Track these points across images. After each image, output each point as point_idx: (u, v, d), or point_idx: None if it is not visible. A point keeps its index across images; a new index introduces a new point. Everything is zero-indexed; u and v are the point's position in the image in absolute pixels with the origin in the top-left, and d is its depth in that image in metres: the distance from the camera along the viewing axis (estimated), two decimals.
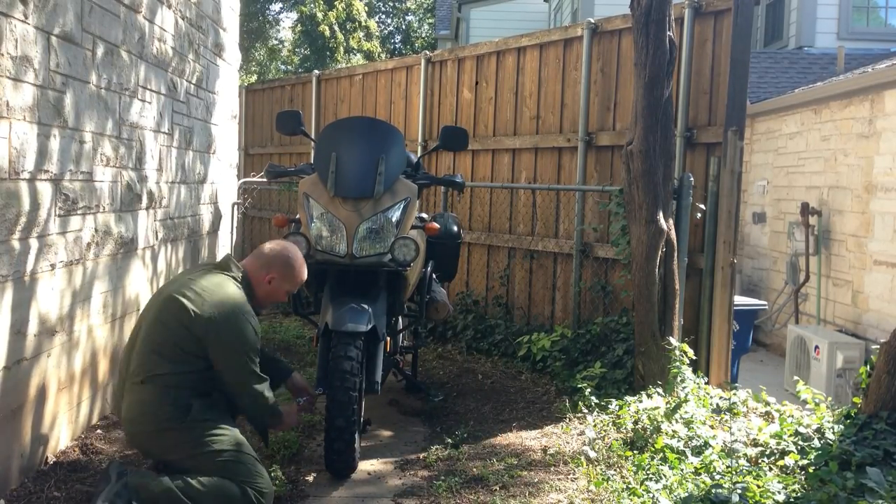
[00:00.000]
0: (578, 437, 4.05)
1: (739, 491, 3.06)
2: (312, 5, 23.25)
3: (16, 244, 3.09)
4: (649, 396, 4.24)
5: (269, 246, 3.28)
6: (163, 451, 2.98)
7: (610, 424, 4.12)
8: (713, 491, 3.07)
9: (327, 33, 22.85)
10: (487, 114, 6.43)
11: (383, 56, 25.71)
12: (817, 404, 4.11)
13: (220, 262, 3.26)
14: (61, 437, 3.61)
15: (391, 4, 31.15)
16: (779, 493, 3.12)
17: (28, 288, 3.21)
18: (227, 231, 6.97)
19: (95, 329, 3.92)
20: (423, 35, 30.03)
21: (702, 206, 4.80)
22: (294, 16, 25.55)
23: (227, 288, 3.06)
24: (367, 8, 25.96)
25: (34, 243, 3.24)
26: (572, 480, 3.52)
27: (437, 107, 6.87)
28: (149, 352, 2.97)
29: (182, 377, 2.96)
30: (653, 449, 3.70)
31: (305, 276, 3.31)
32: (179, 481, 2.86)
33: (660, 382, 4.38)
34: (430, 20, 28.82)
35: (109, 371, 4.14)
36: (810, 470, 3.35)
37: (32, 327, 3.26)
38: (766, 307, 8.04)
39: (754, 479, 3.29)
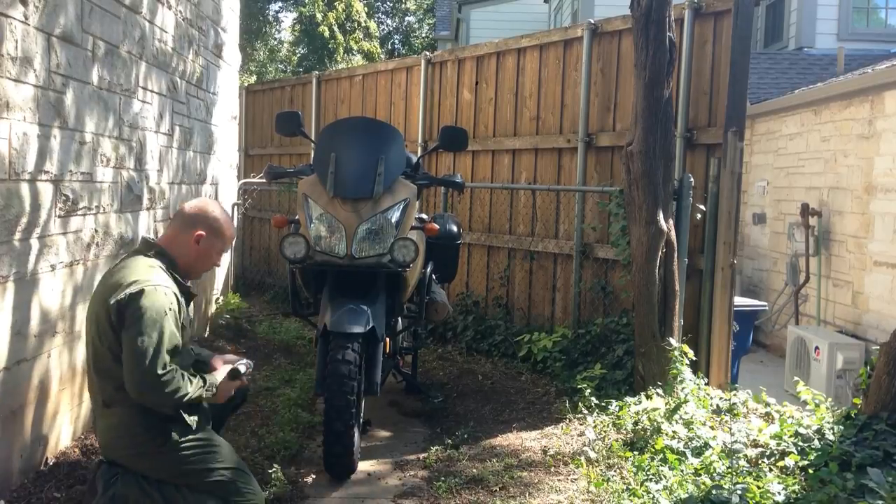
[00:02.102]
0: (578, 438, 4.05)
1: (739, 492, 3.06)
2: (312, 6, 23.25)
3: (16, 245, 3.09)
4: (649, 397, 4.24)
5: (186, 205, 2.88)
6: (148, 471, 2.69)
7: (610, 425, 4.12)
8: (713, 492, 3.07)
9: (327, 34, 22.85)
10: (487, 114, 6.43)
11: (383, 57, 25.70)
12: (817, 405, 4.11)
13: (135, 249, 2.84)
14: (61, 438, 3.61)
15: (391, 5, 31.16)
16: (779, 493, 3.12)
17: (29, 288, 3.21)
18: None
19: None
20: (423, 36, 30.04)
21: (702, 207, 4.80)
22: (293, 16, 25.57)
23: (134, 266, 2.65)
24: (366, 8, 25.97)
25: (35, 244, 3.24)
26: (572, 481, 3.51)
27: (437, 107, 6.87)
28: (95, 372, 2.65)
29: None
30: (653, 450, 3.70)
31: (234, 230, 2.97)
32: (168, 496, 2.68)
33: (660, 383, 4.38)
34: (430, 21, 28.82)
35: None
36: (810, 471, 3.35)
37: (33, 328, 3.26)
38: (767, 308, 8.03)
39: (754, 479, 3.29)
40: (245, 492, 2.76)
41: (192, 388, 2.62)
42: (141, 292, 2.54)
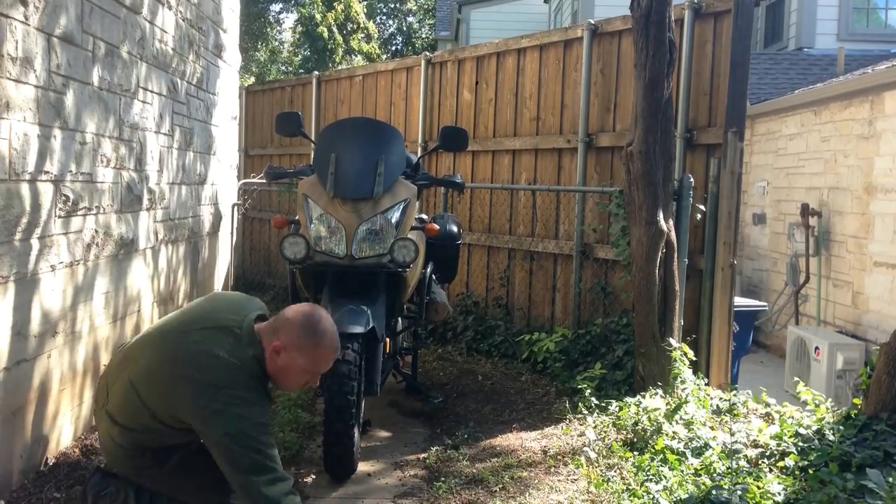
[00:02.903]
0: (578, 438, 4.05)
1: (739, 492, 3.06)
2: (311, 6, 23.27)
3: (17, 245, 3.09)
4: (650, 397, 4.24)
5: (292, 308, 2.48)
6: (141, 481, 2.55)
7: (610, 425, 4.12)
8: (713, 492, 3.07)
9: (326, 34, 22.86)
10: (487, 115, 6.43)
11: (383, 57, 25.72)
12: (817, 405, 4.11)
13: (229, 318, 2.45)
14: (62, 438, 3.61)
15: (391, 6, 31.17)
16: (779, 494, 3.12)
17: (29, 289, 3.21)
18: (227, 232, 6.97)
19: (96, 330, 3.92)
20: (424, 36, 30.05)
21: (702, 207, 4.80)
22: (294, 17, 25.57)
23: (233, 365, 2.34)
24: (366, 10, 25.98)
25: (35, 244, 3.24)
26: (572, 481, 3.52)
27: (437, 108, 6.88)
28: (125, 406, 2.42)
29: (159, 438, 2.46)
30: (653, 450, 3.70)
31: (331, 355, 2.46)
32: None
33: (660, 383, 4.38)
34: (431, 21, 28.82)
35: None
36: (810, 471, 3.35)
37: (33, 328, 3.26)
38: (767, 308, 8.03)
39: (754, 480, 3.28)
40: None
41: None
42: (234, 417, 2.27)
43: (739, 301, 5.63)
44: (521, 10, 17.13)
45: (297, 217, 4.02)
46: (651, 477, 3.39)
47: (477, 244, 6.46)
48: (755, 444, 3.79)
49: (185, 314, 2.56)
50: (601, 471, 3.56)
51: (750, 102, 8.41)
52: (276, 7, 25.49)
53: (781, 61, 10.38)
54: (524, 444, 4.04)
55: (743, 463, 3.51)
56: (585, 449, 3.80)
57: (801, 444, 3.65)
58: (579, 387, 4.56)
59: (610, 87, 5.52)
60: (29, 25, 3.12)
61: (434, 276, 4.67)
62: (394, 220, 3.77)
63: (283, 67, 28.14)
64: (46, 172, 3.30)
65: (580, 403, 4.41)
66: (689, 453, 3.65)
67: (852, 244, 7.17)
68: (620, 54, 5.45)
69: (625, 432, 4.01)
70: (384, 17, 31.19)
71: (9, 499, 3.09)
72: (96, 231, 3.85)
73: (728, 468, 3.43)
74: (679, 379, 4.38)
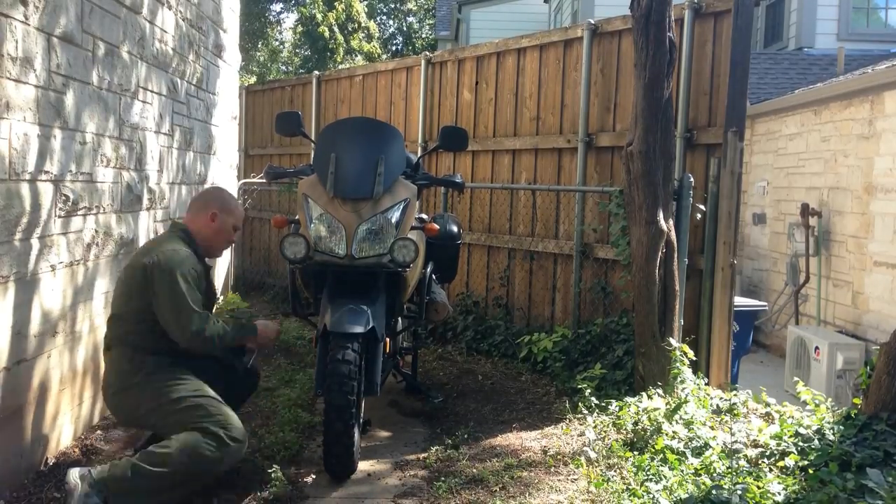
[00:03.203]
0: (578, 438, 4.05)
1: (739, 492, 3.06)
2: (312, 6, 23.27)
3: (17, 245, 3.10)
4: (649, 397, 4.24)
5: (201, 192, 3.62)
6: (132, 411, 3.16)
7: (610, 425, 4.12)
8: (713, 492, 3.07)
9: (327, 34, 22.87)
10: (487, 115, 6.43)
11: (384, 57, 25.72)
12: (817, 405, 4.11)
13: (168, 229, 3.51)
14: (62, 438, 3.61)
15: (391, 6, 31.17)
16: (779, 493, 3.12)
17: (29, 289, 3.21)
18: None
19: (96, 330, 3.92)
20: (424, 36, 30.05)
21: (702, 207, 4.80)
22: (294, 17, 25.57)
23: (166, 240, 3.31)
24: (366, 9, 25.98)
25: (35, 244, 3.24)
26: (572, 481, 3.52)
27: (437, 108, 6.88)
28: (112, 318, 3.24)
29: (137, 336, 3.16)
30: (653, 450, 3.70)
31: (241, 208, 3.59)
32: (140, 454, 2.94)
33: (660, 383, 4.38)
34: (431, 21, 28.83)
35: None
36: (810, 471, 3.35)
37: (33, 328, 3.26)
38: (767, 308, 8.04)
39: (754, 480, 3.29)
40: (216, 413, 3.06)
41: (230, 331, 3.26)
42: (167, 258, 3.15)
43: (739, 301, 5.63)
44: (521, 10, 17.14)
45: (297, 217, 4.02)
46: (651, 477, 3.39)
47: (477, 244, 6.46)
48: (755, 444, 3.79)
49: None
50: (601, 471, 3.56)
51: (750, 102, 8.41)
52: (276, 7, 25.50)
53: (781, 61, 10.39)
54: (524, 444, 4.04)
55: (743, 463, 3.51)
56: (585, 449, 3.80)
57: (801, 443, 3.65)
58: (579, 387, 4.56)
59: (610, 87, 5.52)
60: (29, 25, 3.12)
61: (434, 276, 4.67)
62: (394, 220, 3.77)
63: (284, 67, 28.16)
64: (46, 172, 3.30)
65: (580, 403, 4.41)
66: (689, 453, 3.65)
67: (852, 244, 7.17)
68: (620, 54, 5.45)
69: (625, 432, 4.01)
70: (384, 17, 31.20)
71: (9, 499, 3.09)
72: (96, 231, 3.85)
73: (728, 468, 3.43)
74: (679, 379, 4.38)
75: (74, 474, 2.89)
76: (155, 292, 3.13)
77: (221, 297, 6.75)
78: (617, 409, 4.23)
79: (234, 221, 3.50)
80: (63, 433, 3.62)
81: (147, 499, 2.91)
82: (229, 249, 7.09)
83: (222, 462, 3.01)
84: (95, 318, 3.90)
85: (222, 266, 6.88)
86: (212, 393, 3.17)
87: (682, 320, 4.70)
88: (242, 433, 3.09)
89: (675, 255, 4.62)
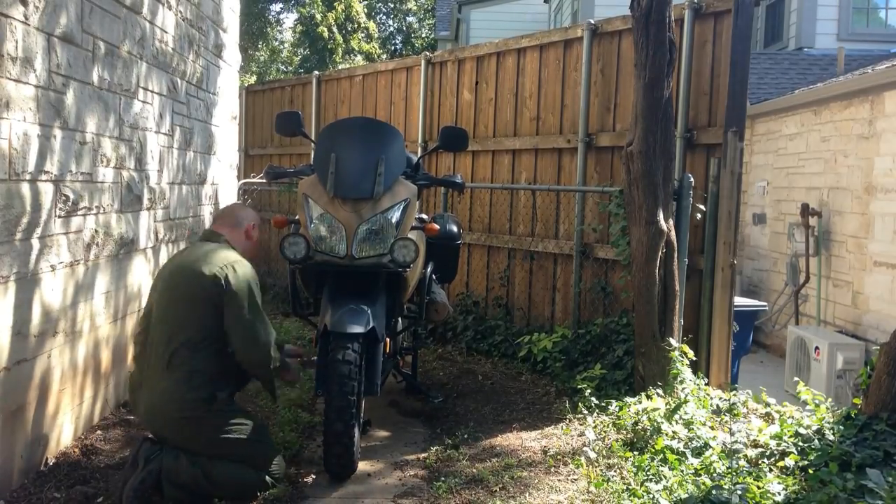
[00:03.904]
0: (578, 438, 4.05)
1: (739, 492, 3.06)
2: (312, 6, 23.27)
3: (17, 245, 3.09)
4: (649, 397, 4.24)
5: (226, 210, 3.70)
6: (184, 439, 3.10)
7: (610, 425, 4.12)
8: (713, 492, 3.07)
9: (326, 34, 22.86)
10: (487, 115, 6.43)
11: (384, 57, 25.72)
12: (817, 405, 4.11)
13: (204, 236, 3.55)
14: (62, 438, 3.61)
15: (391, 6, 31.16)
16: (779, 494, 3.12)
17: (29, 289, 3.21)
18: None
19: (96, 330, 3.92)
20: (424, 36, 30.04)
21: (702, 207, 4.80)
22: (294, 17, 25.57)
23: (225, 250, 3.31)
24: (366, 9, 25.97)
25: (35, 244, 3.24)
26: (572, 481, 3.52)
27: (437, 108, 6.88)
28: (168, 334, 3.12)
29: (204, 360, 3.10)
30: (653, 450, 3.70)
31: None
32: (203, 467, 3.06)
33: (660, 383, 4.38)
34: (431, 21, 28.82)
35: (111, 371, 4.14)
36: (810, 471, 3.35)
37: (33, 328, 3.26)
38: (767, 308, 8.04)
39: (754, 480, 3.29)
40: (271, 461, 3.24)
41: (281, 357, 3.35)
42: (245, 269, 3.21)
43: (739, 301, 5.63)
44: (521, 10, 17.13)
45: (297, 217, 4.02)
46: (651, 477, 3.39)
47: (477, 244, 6.46)
48: (755, 444, 3.79)
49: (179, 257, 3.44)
50: (601, 471, 3.57)
51: (750, 102, 8.41)
52: (276, 7, 25.49)
53: (781, 61, 10.39)
54: (524, 444, 4.04)
55: (743, 463, 3.51)
56: (585, 449, 3.80)
57: (801, 443, 3.65)
58: (579, 387, 4.56)
59: (610, 87, 5.52)
60: (29, 25, 3.12)
61: (434, 276, 4.67)
62: (394, 220, 3.77)
63: (283, 67, 28.15)
64: (46, 172, 3.30)
65: (580, 403, 4.41)
66: (689, 453, 3.65)
67: (852, 244, 7.17)
68: (620, 54, 5.45)
69: (625, 432, 4.01)
70: (384, 17, 31.18)
71: (9, 499, 3.09)
72: (96, 231, 3.85)
73: (728, 468, 3.43)
74: (679, 379, 4.38)
75: (144, 452, 3.10)
76: (230, 303, 3.12)
77: None
78: (617, 409, 4.23)
79: (259, 229, 3.68)
80: (63, 433, 3.62)
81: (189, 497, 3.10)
82: None
83: (255, 497, 3.20)
84: (96, 318, 3.90)
85: None
86: (267, 436, 3.35)
87: (682, 320, 4.70)
88: (283, 473, 3.35)
89: (675, 255, 4.62)
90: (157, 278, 3.39)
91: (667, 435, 3.81)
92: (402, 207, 3.81)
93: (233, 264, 3.20)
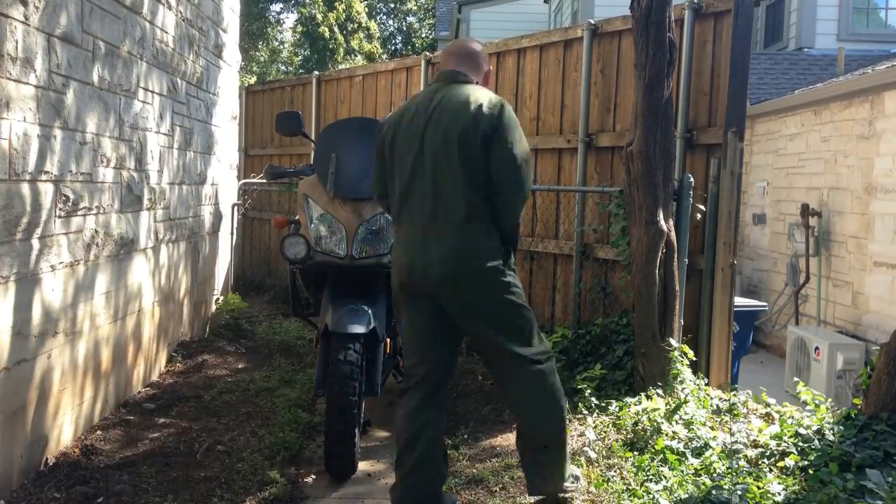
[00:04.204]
0: (578, 439, 4.05)
1: (739, 492, 3.06)
2: (312, 6, 23.27)
3: (17, 245, 3.10)
4: (649, 397, 4.24)
5: (462, 49, 3.19)
6: (476, 293, 2.96)
7: (610, 425, 4.12)
8: (713, 492, 3.07)
9: (327, 34, 22.86)
10: None
11: (384, 57, 25.71)
12: (817, 405, 4.11)
13: (448, 77, 3.11)
14: (62, 438, 3.61)
15: (391, 6, 31.17)
16: (779, 494, 3.12)
17: (29, 288, 3.21)
18: (227, 232, 6.98)
19: (97, 330, 3.92)
20: (424, 36, 30.05)
21: (702, 208, 4.80)
22: (294, 17, 25.58)
23: (473, 88, 3.03)
24: (367, 9, 25.97)
25: (35, 244, 3.24)
26: None
27: None
28: (462, 185, 2.90)
29: (488, 211, 2.94)
30: (653, 450, 3.70)
31: None
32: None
33: (660, 383, 4.38)
34: (431, 21, 28.83)
35: (111, 371, 4.14)
36: (810, 471, 3.35)
37: (34, 328, 3.26)
38: (767, 308, 8.04)
39: (754, 480, 3.29)
40: (537, 336, 3.08)
41: None
42: (505, 105, 2.96)
43: (739, 301, 5.63)
44: (521, 10, 17.13)
45: (297, 217, 4.02)
46: (651, 477, 3.39)
47: None
48: (755, 444, 3.79)
49: None
50: (601, 471, 3.57)
51: (750, 102, 8.41)
52: (276, 7, 25.50)
53: (781, 61, 10.39)
54: None
55: (743, 463, 3.51)
56: (585, 449, 3.80)
57: (801, 444, 3.65)
58: (579, 387, 4.56)
59: (610, 87, 5.52)
60: (29, 25, 3.12)
61: None
62: None
63: (284, 67, 28.15)
64: (46, 172, 3.30)
65: (580, 403, 4.41)
66: (689, 453, 3.65)
67: (852, 244, 7.17)
68: (620, 54, 5.45)
69: (625, 432, 4.01)
70: (384, 17, 31.18)
71: (9, 499, 3.09)
72: (96, 231, 3.85)
73: (728, 468, 3.43)
74: (679, 379, 4.38)
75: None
76: (502, 141, 2.89)
77: (221, 298, 6.75)
78: (617, 409, 4.23)
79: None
80: (63, 433, 3.62)
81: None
82: (227, 250, 7.09)
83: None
84: (96, 318, 3.90)
85: (222, 266, 6.88)
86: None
87: (682, 320, 4.70)
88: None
89: (675, 256, 4.62)
90: (413, 122, 3.01)
91: (667, 435, 3.81)
92: None
93: (501, 101, 2.97)
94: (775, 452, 3.66)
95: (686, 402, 4.12)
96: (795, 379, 5.15)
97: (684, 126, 4.99)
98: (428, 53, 7.06)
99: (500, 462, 3.75)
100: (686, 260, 4.76)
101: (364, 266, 3.73)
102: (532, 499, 3.31)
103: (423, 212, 2.96)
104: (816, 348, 6.68)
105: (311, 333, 5.53)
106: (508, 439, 4.13)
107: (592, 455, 3.72)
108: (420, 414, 3.02)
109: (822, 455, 3.45)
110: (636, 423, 4.01)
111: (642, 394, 4.35)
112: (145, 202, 4.54)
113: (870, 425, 3.59)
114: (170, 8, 4.84)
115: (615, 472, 3.55)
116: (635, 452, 3.74)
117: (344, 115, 7.77)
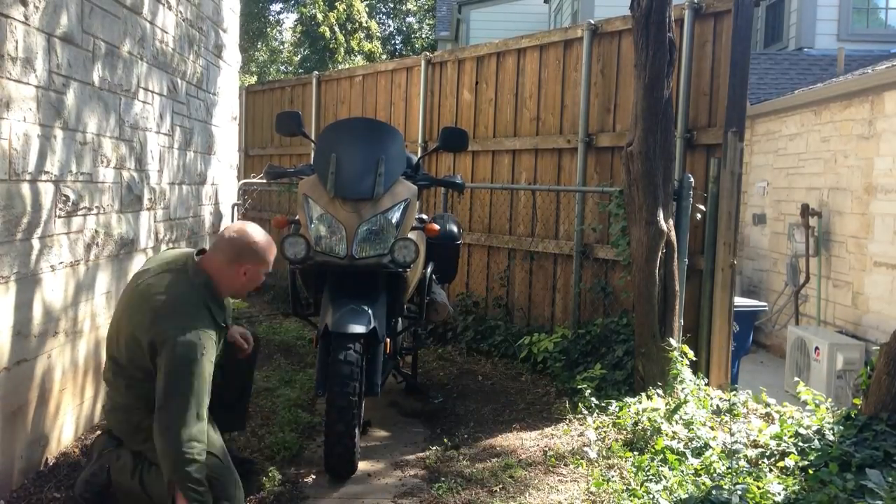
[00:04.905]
0: (578, 438, 4.05)
1: (739, 492, 3.06)
2: (313, 6, 23.27)
3: (17, 245, 3.09)
4: (649, 397, 4.24)
5: (227, 235, 2.94)
6: (147, 451, 2.88)
7: (610, 426, 4.12)
8: (713, 492, 3.08)
9: (328, 34, 22.86)
10: (487, 115, 6.43)
11: (384, 57, 25.72)
12: (817, 405, 4.11)
13: (177, 260, 2.95)
14: (62, 438, 3.61)
15: (391, 6, 31.17)
16: (779, 494, 3.12)
17: (30, 288, 3.21)
18: None
19: (97, 330, 3.92)
20: (424, 36, 30.05)
21: (702, 208, 4.81)
22: (294, 16, 25.56)
23: (178, 295, 2.80)
24: (367, 9, 25.97)
25: (36, 244, 3.24)
26: (572, 482, 3.52)
27: (437, 108, 6.88)
28: (113, 371, 2.89)
29: (140, 399, 2.83)
30: (653, 450, 3.70)
31: (274, 251, 3.03)
32: (143, 477, 2.89)
33: (660, 383, 4.38)
34: (431, 21, 28.83)
35: None
36: (810, 471, 3.35)
37: (34, 328, 3.26)
38: (767, 308, 8.04)
39: (754, 480, 3.29)
40: (230, 490, 2.86)
41: (204, 485, 2.67)
42: (181, 341, 2.67)
43: (739, 301, 5.64)
44: (521, 10, 17.13)
45: (297, 217, 4.02)
46: (651, 477, 3.39)
47: (477, 244, 6.46)
48: (755, 444, 3.79)
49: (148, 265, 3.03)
50: (601, 471, 3.57)
51: (750, 102, 8.42)
52: (276, 7, 25.51)
53: (781, 61, 10.39)
54: (524, 444, 4.04)
55: (743, 463, 3.52)
56: (585, 449, 3.81)
57: (801, 444, 3.65)
58: (579, 387, 4.56)
59: (610, 87, 5.52)
60: (29, 25, 3.12)
61: (434, 277, 4.67)
62: (394, 221, 3.77)
63: (283, 67, 28.15)
64: (47, 172, 3.30)
65: (580, 403, 4.41)
66: (689, 453, 3.65)
67: (852, 244, 7.17)
68: (620, 54, 5.45)
69: (625, 432, 4.01)
70: (384, 17, 31.18)
71: (9, 499, 3.09)
72: (97, 231, 3.85)
73: (728, 468, 3.43)
74: (679, 379, 4.38)
75: (99, 446, 3.03)
76: (162, 370, 2.69)
77: None
78: (617, 409, 4.23)
79: (267, 269, 3.02)
80: (63, 433, 3.62)
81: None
82: None
83: None
84: (96, 318, 3.90)
85: None
86: (227, 460, 2.92)
87: (682, 320, 4.70)
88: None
89: (675, 256, 4.62)
90: (125, 295, 2.96)
91: (667, 435, 3.81)
92: (402, 208, 3.82)
93: (179, 327, 2.69)
94: (775, 452, 3.66)
95: (686, 402, 4.12)
96: (795, 379, 5.15)
97: (684, 126, 5.00)
98: (428, 53, 7.06)
99: (499, 462, 3.75)
100: (686, 260, 4.77)
101: (364, 266, 3.73)
102: (540, 499, 3.31)
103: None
104: (816, 348, 6.68)
105: (311, 333, 5.53)
106: (508, 439, 4.13)
107: (592, 455, 3.72)
108: None
109: (822, 455, 3.45)
110: (636, 423, 4.01)
111: (642, 394, 4.35)
112: (145, 202, 4.54)
113: (870, 425, 3.60)
114: (170, 8, 4.84)
115: (615, 472, 3.55)
116: (635, 452, 3.74)
117: (344, 115, 7.78)
